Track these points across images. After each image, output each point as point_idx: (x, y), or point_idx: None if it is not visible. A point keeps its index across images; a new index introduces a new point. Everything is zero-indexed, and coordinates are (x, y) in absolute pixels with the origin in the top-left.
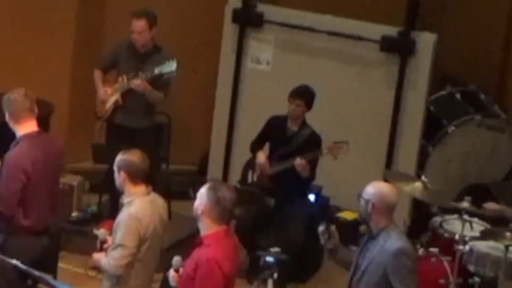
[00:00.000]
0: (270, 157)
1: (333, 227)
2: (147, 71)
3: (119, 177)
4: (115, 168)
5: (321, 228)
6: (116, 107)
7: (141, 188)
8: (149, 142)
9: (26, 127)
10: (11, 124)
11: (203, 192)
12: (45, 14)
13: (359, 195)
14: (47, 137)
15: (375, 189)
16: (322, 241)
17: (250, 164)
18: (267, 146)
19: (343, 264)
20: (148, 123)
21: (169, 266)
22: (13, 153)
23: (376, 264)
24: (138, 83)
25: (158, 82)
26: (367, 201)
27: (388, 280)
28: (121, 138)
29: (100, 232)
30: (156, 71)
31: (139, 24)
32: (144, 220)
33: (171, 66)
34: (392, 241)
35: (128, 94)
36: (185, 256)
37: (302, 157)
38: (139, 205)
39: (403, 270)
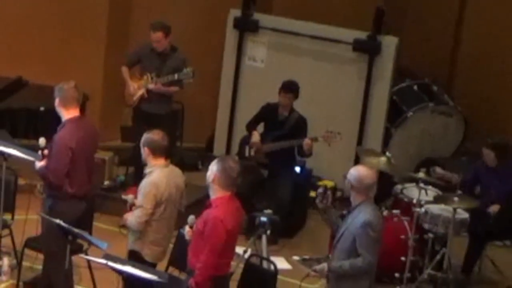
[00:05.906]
0: (265, 136)
1: (328, 192)
2: (167, 75)
3: (144, 152)
4: (141, 145)
5: (320, 190)
6: (142, 98)
7: (161, 161)
8: (167, 125)
9: (71, 113)
10: (59, 108)
11: (213, 164)
12: (81, 18)
13: (344, 176)
14: (86, 121)
15: (355, 171)
16: (317, 200)
17: (246, 140)
18: (260, 126)
19: (329, 223)
20: (166, 110)
21: (183, 224)
22: (61, 134)
23: (349, 232)
24: (154, 86)
25: (176, 81)
26: (348, 181)
27: (355, 245)
28: (145, 122)
29: (129, 197)
30: (176, 77)
31: (157, 36)
32: (160, 187)
33: (188, 74)
34: (363, 214)
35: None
36: (197, 216)
37: (307, 139)
38: (157, 175)
39: (367, 239)
